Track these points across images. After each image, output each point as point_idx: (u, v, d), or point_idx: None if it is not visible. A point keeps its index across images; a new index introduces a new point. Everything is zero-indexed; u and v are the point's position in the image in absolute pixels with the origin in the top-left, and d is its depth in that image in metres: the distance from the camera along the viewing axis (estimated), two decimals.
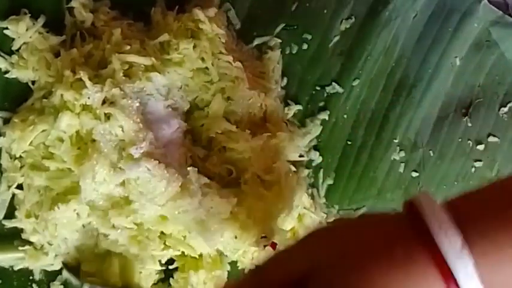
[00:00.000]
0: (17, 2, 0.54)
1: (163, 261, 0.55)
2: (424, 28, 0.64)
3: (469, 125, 0.65)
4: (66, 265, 0.54)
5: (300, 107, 0.62)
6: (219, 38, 0.56)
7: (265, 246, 0.53)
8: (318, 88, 0.63)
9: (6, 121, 0.53)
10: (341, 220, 0.37)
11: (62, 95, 0.50)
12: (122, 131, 0.50)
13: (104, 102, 0.51)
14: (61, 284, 0.54)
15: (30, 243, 0.54)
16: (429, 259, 0.30)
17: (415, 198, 0.32)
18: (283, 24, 0.62)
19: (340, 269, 0.31)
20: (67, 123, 0.50)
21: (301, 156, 0.61)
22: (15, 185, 0.53)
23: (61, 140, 0.51)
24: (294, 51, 0.63)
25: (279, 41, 0.62)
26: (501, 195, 0.32)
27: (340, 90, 0.63)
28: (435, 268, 0.29)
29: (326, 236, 0.34)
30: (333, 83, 0.63)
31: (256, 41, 0.62)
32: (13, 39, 0.54)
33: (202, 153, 0.56)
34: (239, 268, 0.56)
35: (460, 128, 0.65)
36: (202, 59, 0.55)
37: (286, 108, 0.62)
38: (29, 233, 0.53)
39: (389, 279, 0.30)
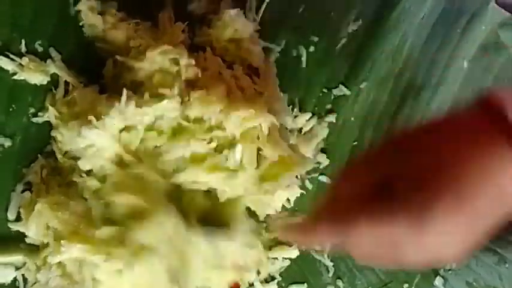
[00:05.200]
0: None
1: None
2: (432, 30, 0.64)
3: None
4: None
5: (308, 115, 0.62)
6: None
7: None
8: (325, 90, 0.63)
9: None
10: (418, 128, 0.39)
11: None
12: None
13: None
14: None
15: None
16: None
17: (490, 94, 0.34)
18: (290, 28, 0.62)
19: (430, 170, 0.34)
20: None
21: None
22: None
23: None
24: (301, 54, 0.62)
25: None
26: None
27: (348, 92, 0.63)
28: None
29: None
30: (340, 86, 0.63)
31: (262, 44, 0.62)
32: (21, 41, 0.54)
33: None
34: None
35: None
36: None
37: (292, 118, 0.62)
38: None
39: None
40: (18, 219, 0.55)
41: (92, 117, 0.50)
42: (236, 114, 0.52)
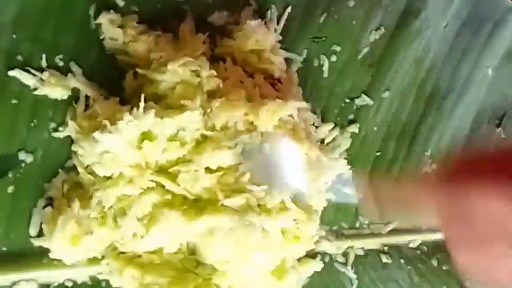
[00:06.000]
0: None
1: None
2: (455, 38, 0.63)
3: (503, 136, 0.64)
4: None
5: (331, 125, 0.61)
6: None
7: None
8: (347, 100, 0.62)
9: None
10: None
11: None
12: None
13: None
14: None
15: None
16: None
17: None
18: (311, 38, 0.61)
19: None
20: None
21: None
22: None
23: None
24: (323, 63, 0.61)
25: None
26: None
27: (370, 102, 0.62)
28: None
29: None
30: (363, 95, 0.62)
31: (283, 54, 0.61)
32: (42, 55, 0.53)
33: None
34: None
35: (494, 139, 0.64)
36: None
37: (315, 129, 0.61)
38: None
39: None
40: (40, 234, 0.54)
41: (106, 122, 0.49)
42: (265, 108, 0.51)
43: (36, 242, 0.54)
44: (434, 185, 0.38)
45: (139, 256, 0.53)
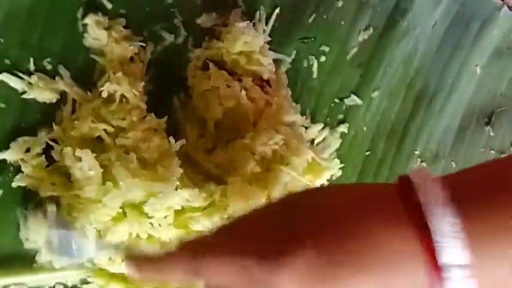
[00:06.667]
0: None
1: None
2: (444, 37, 0.63)
3: (492, 134, 0.64)
4: None
5: (320, 126, 0.62)
6: None
7: None
8: (336, 101, 0.62)
9: None
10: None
11: None
12: None
13: None
14: None
15: None
16: (415, 238, 0.29)
17: (410, 173, 0.32)
18: (300, 38, 0.61)
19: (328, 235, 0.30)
20: None
21: None
22: None
23: None
24: (312, 64, 0.62)
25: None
26: (497, 175, 0.31)
27: (360, 102, 0.62)
28: (419, 245, 0.29)
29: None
30: (352, 95, 0.62)
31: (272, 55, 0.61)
32: (30, 59, 0.53)
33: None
34: None
35: (483, 138, 0.65)
36: None
37: (305, 130, 0.61)
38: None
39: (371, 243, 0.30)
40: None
41: None
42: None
43: (27, 245, 0.54)
44: (183, 259, 0.35)
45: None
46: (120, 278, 0.53)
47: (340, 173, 0.62)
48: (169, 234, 0.53)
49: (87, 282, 0.55)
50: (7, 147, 0.52)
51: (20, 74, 0.52)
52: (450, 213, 0.29)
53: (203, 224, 0.52)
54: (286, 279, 0.30)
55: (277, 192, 0.52)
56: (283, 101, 0.59)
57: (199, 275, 0.34)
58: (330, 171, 0.57)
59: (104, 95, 0.53)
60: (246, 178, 0.53)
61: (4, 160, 0.52)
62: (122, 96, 0.53)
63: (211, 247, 0.34)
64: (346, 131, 0.62)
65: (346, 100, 0.62)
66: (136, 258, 0.40)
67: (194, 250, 0.35)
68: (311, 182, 0.54)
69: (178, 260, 0.35)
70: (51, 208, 0.52)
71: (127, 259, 0.42)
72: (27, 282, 0.54)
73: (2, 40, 0.51)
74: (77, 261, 0.52)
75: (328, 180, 0.61)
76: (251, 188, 0.53)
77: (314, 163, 0.55)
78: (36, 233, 0.53)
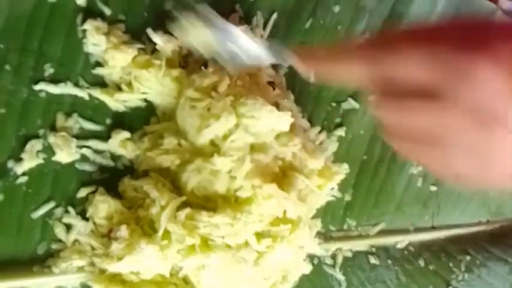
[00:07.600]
0: None
1: None
2: None
3: None
4: None
5: (317, 129, 0.62)
6: None
7: None
8: (333, 104, 0.63)
9: None
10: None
11: None
12: None
13: None
14: None
15: None
16: None
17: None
18: (297, 43, 0.62)
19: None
20: None
21: None
22: None
23: None
24: None
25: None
26: None
27: (357, 106, 0.63)
28: None
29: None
30: (349, 99, 0.63)
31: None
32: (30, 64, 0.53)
33: None
34: None
35: None
36: None
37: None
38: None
39: None
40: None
41: None
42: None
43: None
44: (366, 49, 0.34)
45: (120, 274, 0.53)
46: (120, 281, 0.54)
47: None
48: None
49: (87, 286, 0.55)
50: (8, 153, 0.52)
51: None
52: None
53: None
54: (489, 67, 0.29)
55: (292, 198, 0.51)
56: (292, 104, 0.60)
57: (382, 63, 0.32)
58: (340, 175, 0.57)
59: None
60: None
61: (5, 164, 0.52)
62: None
63: (397, 38, 0.32)
64: (343, 134, 0.63)
65: (343, 104, 0.63)
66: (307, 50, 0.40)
67: (377, 40, 0.33)
68: (323, 186, 0.54)
69: (359, 48, 0.34)
70: None
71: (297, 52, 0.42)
72: (27, 286, 0.54)
73: (1, 46, 0.51)
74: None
75: None
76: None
77: (326, 167, 0.55)
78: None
